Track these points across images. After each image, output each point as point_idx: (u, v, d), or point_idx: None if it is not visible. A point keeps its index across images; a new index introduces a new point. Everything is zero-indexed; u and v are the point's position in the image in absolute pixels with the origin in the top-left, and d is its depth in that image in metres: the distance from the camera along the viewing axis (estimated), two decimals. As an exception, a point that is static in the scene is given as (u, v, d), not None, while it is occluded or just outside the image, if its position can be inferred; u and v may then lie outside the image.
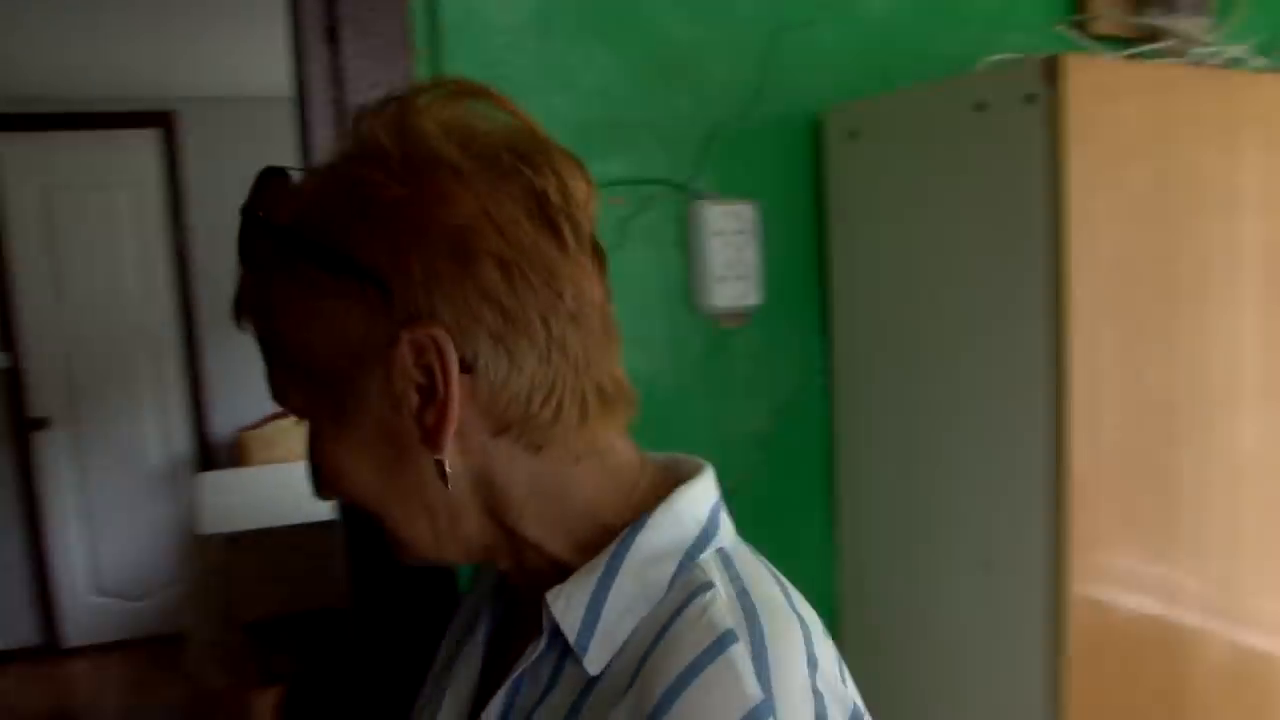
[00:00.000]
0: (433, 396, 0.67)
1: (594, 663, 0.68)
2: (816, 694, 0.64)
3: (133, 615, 4.96)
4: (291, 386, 0.74)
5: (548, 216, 0.68)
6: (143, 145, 4.81)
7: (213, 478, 4.34)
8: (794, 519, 1.50)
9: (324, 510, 3.71)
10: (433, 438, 0.68)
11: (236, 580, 3.43)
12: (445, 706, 0.82)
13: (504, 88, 1.31)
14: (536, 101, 1.33)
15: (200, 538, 3.47)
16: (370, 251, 0.66)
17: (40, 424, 4.75)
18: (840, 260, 1.44)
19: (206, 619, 3.46)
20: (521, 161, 0.68)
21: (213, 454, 4.99)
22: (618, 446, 0.76)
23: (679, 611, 0.66)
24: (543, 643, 0.71)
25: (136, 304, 4.87)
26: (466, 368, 0.66)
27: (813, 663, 0.65)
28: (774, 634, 0.65)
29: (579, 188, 0.70)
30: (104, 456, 4.87)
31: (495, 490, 0.71)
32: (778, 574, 0.74)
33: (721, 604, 0.66)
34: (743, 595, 0.68)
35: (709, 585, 0.68)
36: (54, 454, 4.80)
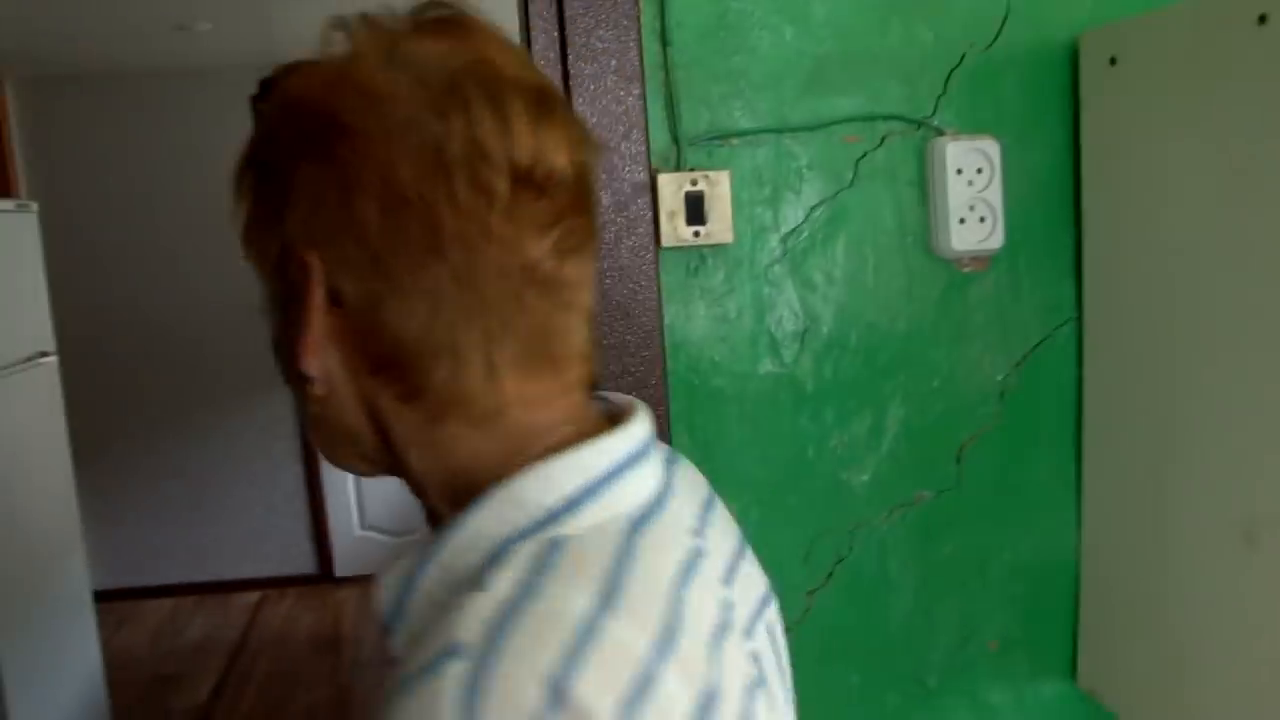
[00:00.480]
0: (300, 315, 0.65)
1: (397, 645, 0.64)
2: None
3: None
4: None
5: (444, 167, 0.62)
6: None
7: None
8: (1034, 478, 1.40)
9: None
10: (292, 350, 0.66)
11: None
12: None
13: (734, 20, 1.29)
14: (767, 35, 1.29)
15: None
16: (287, 166, 0.65)
17: (316, 367, 5.09)
18: (1094, 199, 1.32)
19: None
20: (434, 106, 0.62)
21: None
22: (538, 405, 0.67)
23: (446, 612, 0.58)
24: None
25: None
26: (338, 302, 0.64)
27: (558, 693, 0.52)
28: (513, 654, 0.53)
29: (500, 142, 0.62)
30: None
31: (381, 420, 0.68)
32: (653, 580, 0.62)
33: (475, 610, 0.56)
34: (519, 601, 0.57)
35: (483, 584, 0.58)
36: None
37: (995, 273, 1.36)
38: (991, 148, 1.32)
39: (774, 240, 1.33)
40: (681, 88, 1.30)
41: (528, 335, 0.65)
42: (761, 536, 1.34)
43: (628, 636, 0.56)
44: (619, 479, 0.66)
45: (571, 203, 0.66)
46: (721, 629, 0.64)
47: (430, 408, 0.66)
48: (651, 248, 1.28)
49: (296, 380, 0.69)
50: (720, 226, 1.29)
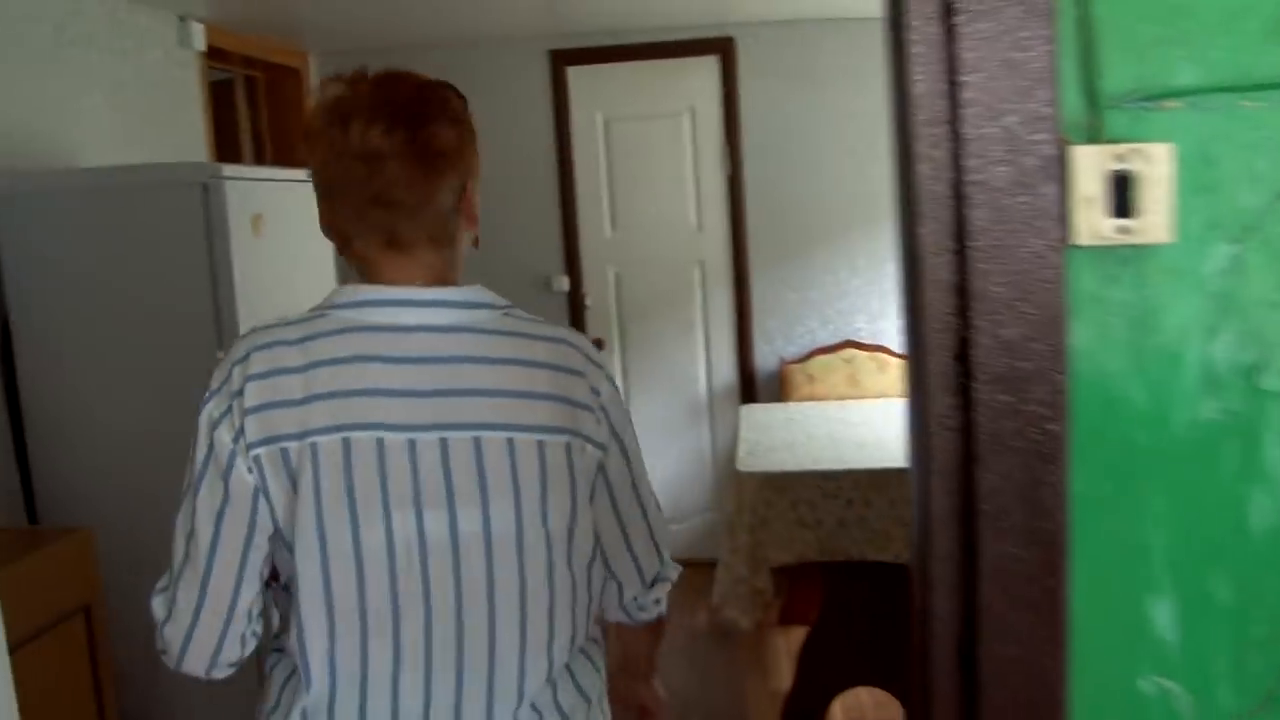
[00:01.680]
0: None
1: None
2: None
3: (666, 535, 5.10)
4: None
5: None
6: (700, 73, 4.82)
7: (753, 412, 4.28)
8: None
9: (858, 457, 3.33)
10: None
11: (768, 521, 3.32)
12: None
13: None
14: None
15: (739, 474, 3.39)
16: None
17: (598, 344, 4.97)
18: None
19: (736, 556, 3.38)
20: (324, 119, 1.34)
21: (754, 385, 4.98)
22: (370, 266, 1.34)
23: None
24: None
25: (688, 231, 4.93)
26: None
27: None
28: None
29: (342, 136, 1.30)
30: (649, 379, 5.02)
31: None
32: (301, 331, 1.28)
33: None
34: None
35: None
36: (604, 374, 5.01)
37: None
38: None
39: (1225, 240, 0.97)
40: (1103, 30, 0.96)
41: (344, 226, 1.33)
42: (1176, 638, 1.00)
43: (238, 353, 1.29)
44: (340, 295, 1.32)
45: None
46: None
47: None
48: (1058, 246, 0.95)
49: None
50: (1155, 220, 0.94)
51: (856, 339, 4.89)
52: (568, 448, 1.30)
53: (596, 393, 1.35)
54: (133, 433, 2.74)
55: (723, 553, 3.43)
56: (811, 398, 4.74)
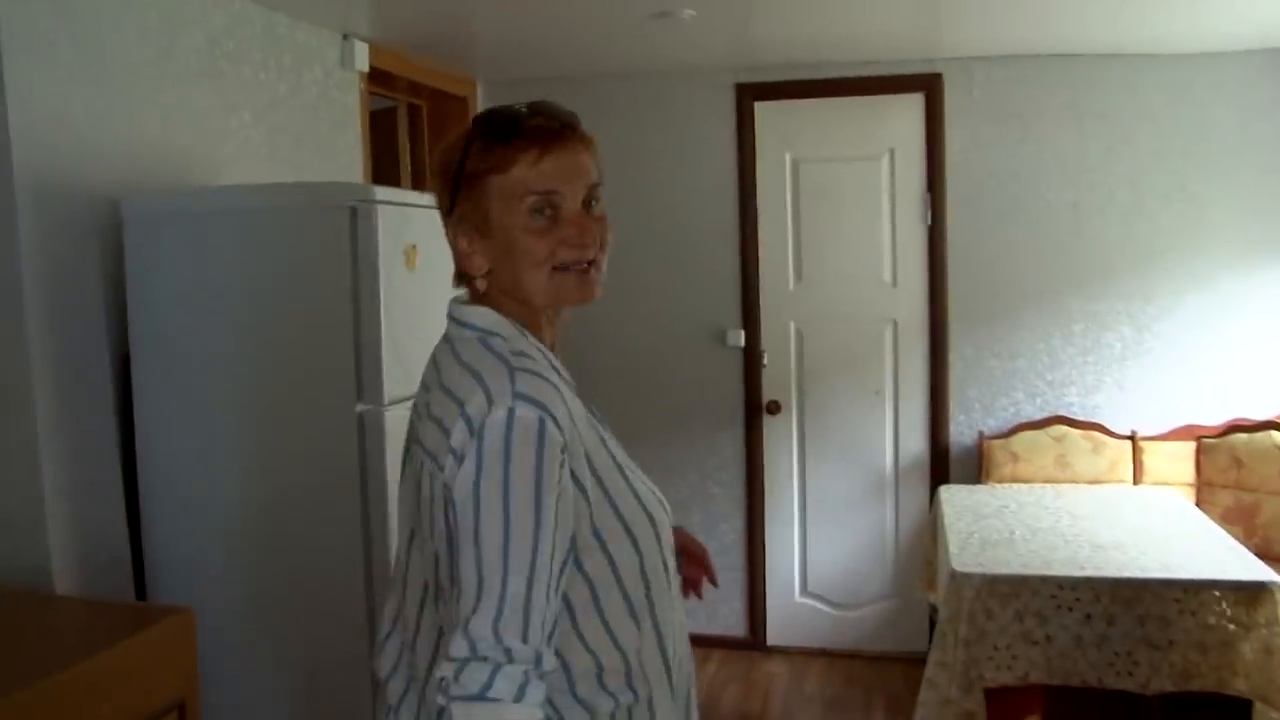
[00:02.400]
0: None
1: None
2: None
3: (834, 623, 4.56)
4: None
5: None
6: (902, 112, 4.33)
7: (954, 494, 3.72)
8: None
9: (1098, 562, 2.59)
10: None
11: (987, 634, 2.76)
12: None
13: None
14: None
15: (954, 574, 2.84)
16: None
17: (771, 408, 4.50)
18: None
19: (944, 672, 2.83)
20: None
21: (948, 461, 4.41)
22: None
23: None
24: None
25: (881, 286, 4.42)
26: None
27: None
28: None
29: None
30: (828, 448, 4.51)
31: None
32: None
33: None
34: None
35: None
36: (778, 441, 4.54)
37: None
38: None
39: None
40: None
41: None
42: None
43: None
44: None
45: None
46: None
47: None
48: None
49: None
50: None
51: (1068, 414, 4.29)
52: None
53: (452, 456, 1.23)
54: (254, 497, 2.38)
55: (929, 666, 2.89)
56: (1014, 479, 4.17)
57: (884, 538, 4.50)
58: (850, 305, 4.44)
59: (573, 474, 1.25)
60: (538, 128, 1.31)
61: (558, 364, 1.37)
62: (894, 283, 4.40)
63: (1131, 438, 4.16)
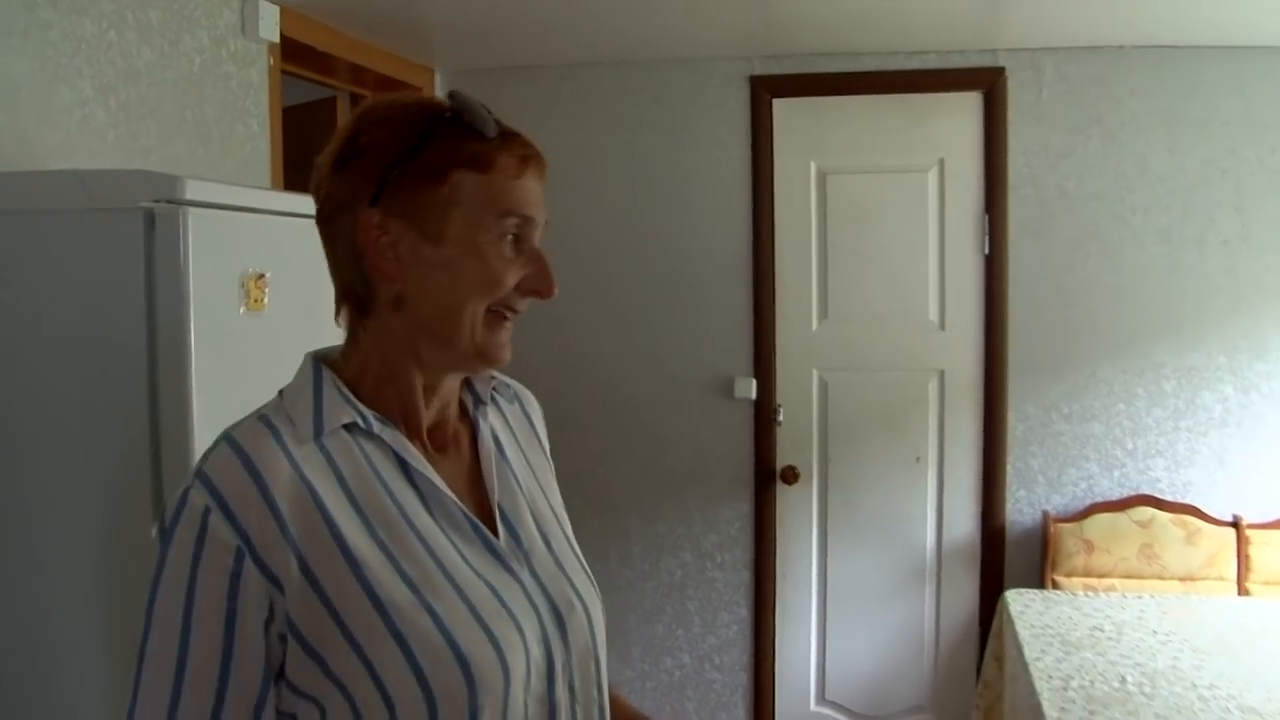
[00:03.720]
0: None
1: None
2: None
3: (857, 736, 3.75)
4: None
5: None
6: (956, 114, 3.52)
7: (1024, 607, 2.86)
8: None
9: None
10: None
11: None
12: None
13: None
14: None
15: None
16: None
17: (787, 475, 3.67)
18: None
19: None
20: None
21: (1003, 546, 3.57)
22: None
23: None
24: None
25: (925, 328, 3.60)
26: None
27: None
28: None
29: None
30: (854, 525, 3.69)
31: None
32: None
33: None
34: None
35: None
36: (794, 515, 3.71)
37: None
38: None
39: None
40: None
41: None
42: None
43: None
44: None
45: None
46: None
47: None
48: None
49: None
50: None
51: (1154, 493, 3.48)
52: None
53: None
54: None
55: None
56: (1089, 573, 3.37)
57: (921, 637, 3.67)
58: (887, 351, 3.63)
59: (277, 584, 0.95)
60: (516, 136, 1.08)
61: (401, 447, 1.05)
62: (941, 324, 3.58)
63: (1235, 524, 3.35)
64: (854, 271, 3.62)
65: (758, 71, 3.62)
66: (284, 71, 2.97)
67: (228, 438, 0.99)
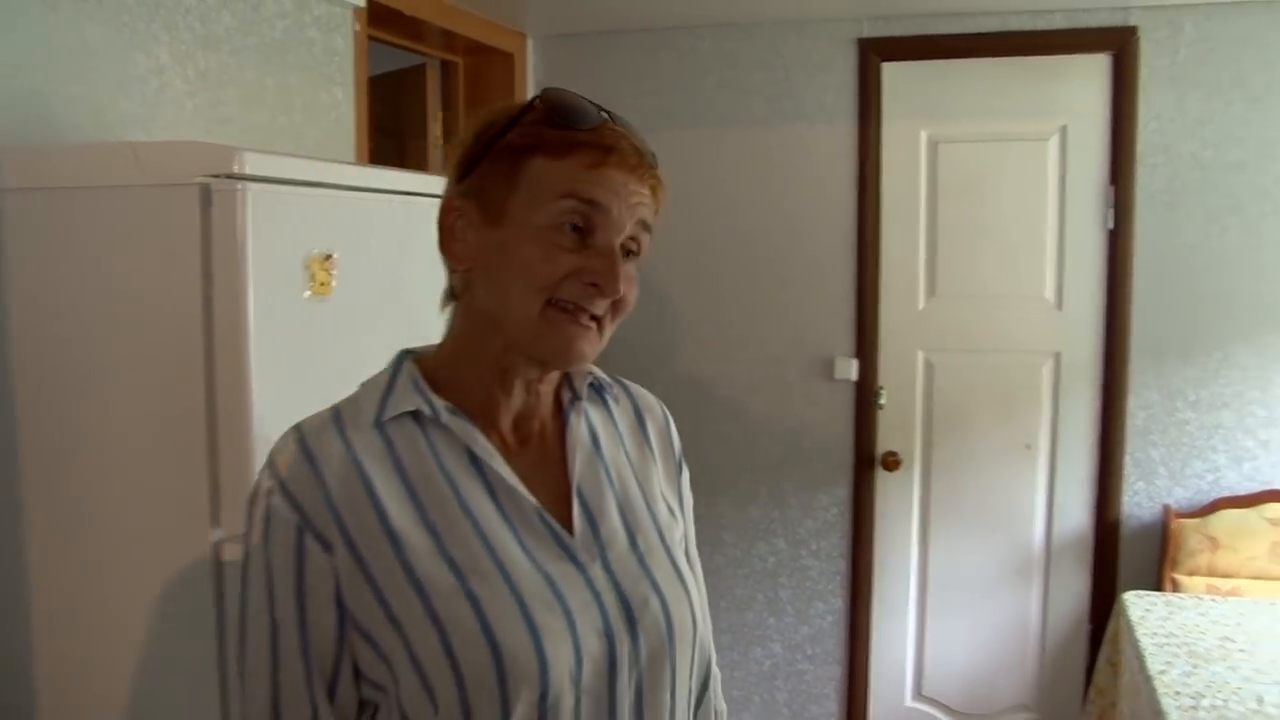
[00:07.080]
0: None
1: None
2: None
3: (955, 733, 3.58)
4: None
5: None
6: (1080, 78, 3.28)
7: (1145, 612, 2.65)
8: None
9: None
10: None
11: None
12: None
13: None
14: None
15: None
16: None
17: (888, 461, 3.49)
18: None
19: None
20: None
21: (1117, 541, 3.36)
22: None
23: None
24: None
25: (1041, 307, 3.39)
26: None
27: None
28: None
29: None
30: (958, 514, 3.50)
31: None
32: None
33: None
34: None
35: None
36: (894, 503, 3.54)
37: None
38: None
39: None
40: None
41: None
42: None
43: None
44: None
45: None
46: None
47: None
48: None
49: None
50: None
51: (1287, 489, 3.22)
52: None
53: None
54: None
55: None
56: (1213, 573, 3.14)
57: (1026, 633, 3.47)
58: (998, 332, 3.41)
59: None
60: (616, 134, 1.01)
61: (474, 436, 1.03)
62: (1058, 304, 3.35)
63: (1378, 525, 3.09)
64: (965, 247, 3.41)
65: (866, 34, 3.41)
66: (371, 37, 2.87)
67: (296, 426, 1.03)
